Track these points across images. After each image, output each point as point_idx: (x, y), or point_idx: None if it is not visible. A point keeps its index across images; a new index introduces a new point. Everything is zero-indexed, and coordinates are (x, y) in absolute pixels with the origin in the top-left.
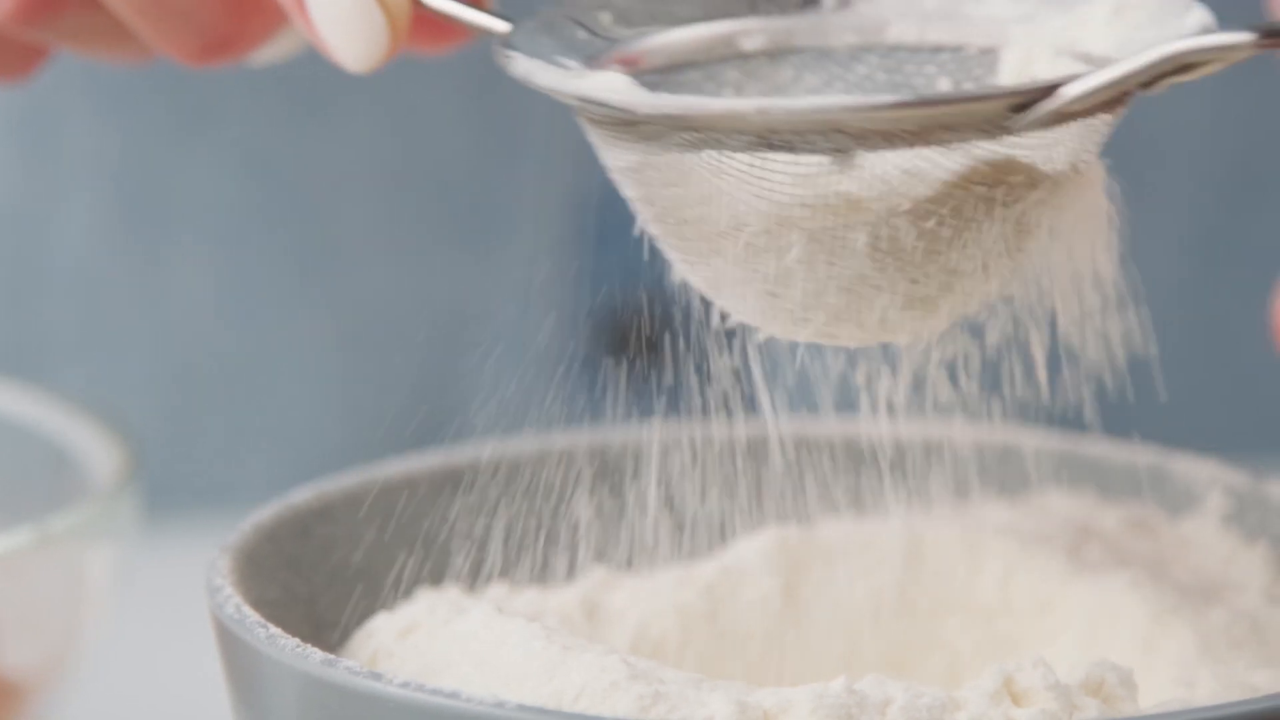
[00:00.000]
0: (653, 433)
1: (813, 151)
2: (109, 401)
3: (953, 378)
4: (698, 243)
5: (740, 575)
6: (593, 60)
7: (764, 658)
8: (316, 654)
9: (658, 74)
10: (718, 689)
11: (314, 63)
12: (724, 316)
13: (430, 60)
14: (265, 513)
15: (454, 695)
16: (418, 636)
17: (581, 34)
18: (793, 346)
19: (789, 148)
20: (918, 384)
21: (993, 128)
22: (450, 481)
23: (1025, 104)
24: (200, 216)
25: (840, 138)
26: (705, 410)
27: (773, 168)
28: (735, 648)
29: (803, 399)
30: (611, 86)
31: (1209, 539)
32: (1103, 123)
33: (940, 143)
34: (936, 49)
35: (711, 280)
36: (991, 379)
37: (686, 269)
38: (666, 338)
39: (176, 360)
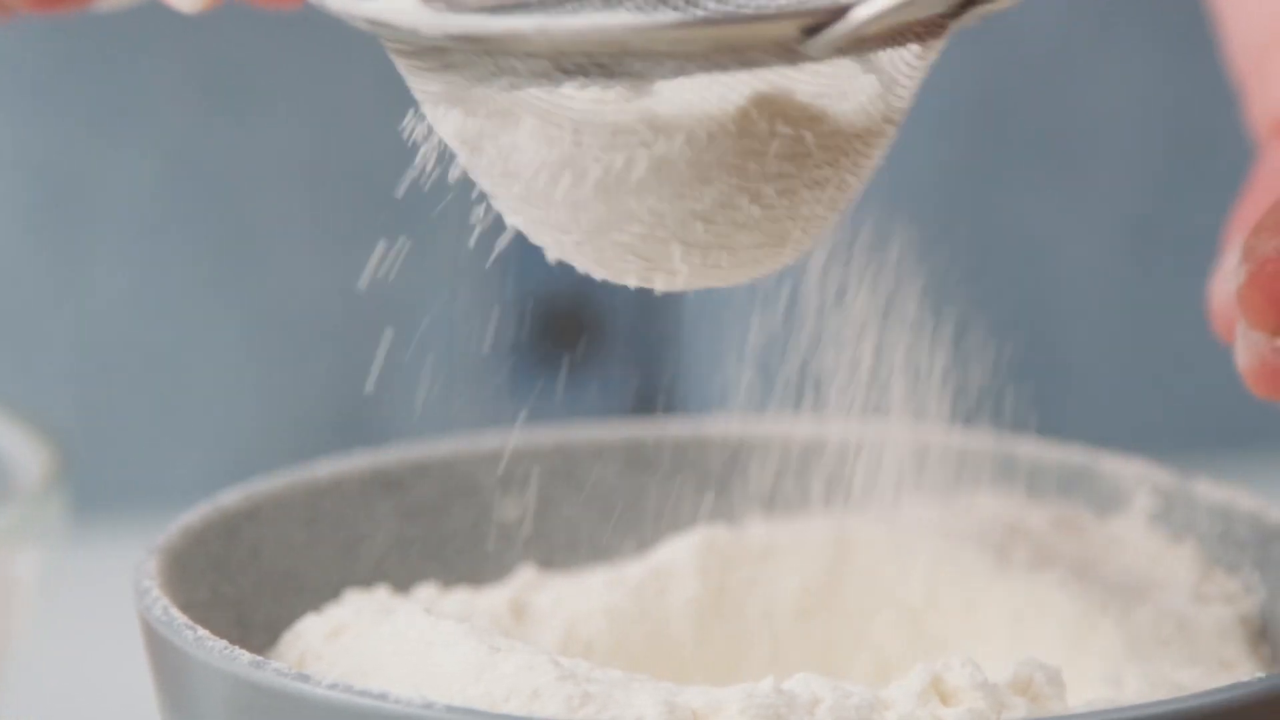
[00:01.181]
0: (583, 430)
1: (607, 78)
2: (32, 401)
3: (882, 378)
4: (509, 181)
5: (669, 576)
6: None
7: (693, 658)
8: (244, 656)
9: (486, 12)
10: (646, 689)
11: (235, 54)
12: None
13: (351, 49)
14: (193, 515)
15: (382, 696)
16: (346, 638)
17: None
18: (725, 347)
19: (581, 73)
20: (847, 384)
21: (786, 53)
22: (379, 482)
23: (817, 26)
24: (121, 212)
25: (631, 61)
26: (636, 408)
27: (567, 95)
28: (664, 648)
29: (734, 399)
30: (398, 8)
31: (1136, 538)
32: (909, 66)
33: (734, 67)
34: None
35: (531, 221)
36: (920, 378)
37: (506, 210)
38: (598, 332)
39: (97, 359)
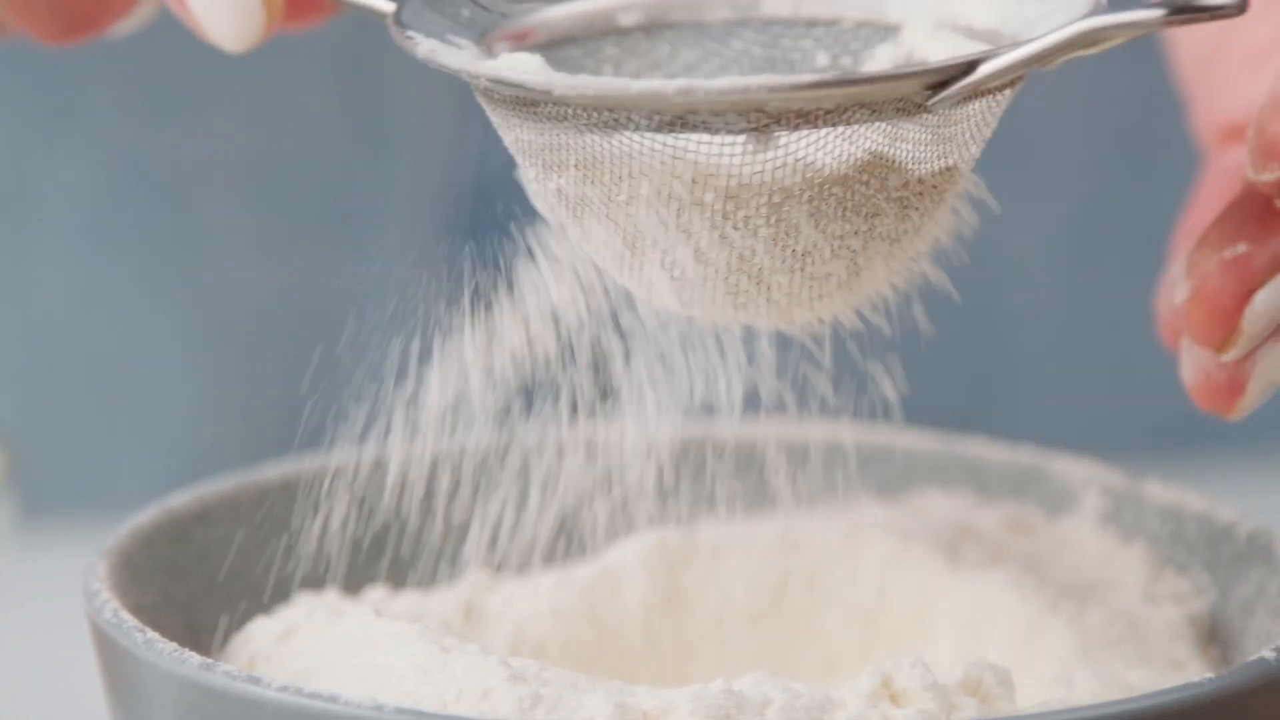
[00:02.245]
0: (531, 433)
1: (728, 130)
2: None
3: (834, 379)
4: (601, 221)
5: (619, 577)
6: (482, 37)
7: (643, 659)
8: (194, 658)
9: (541, 50)
10: (597, 690)
11: (178, 55)
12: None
13: (296, 51)
14: (142, 517)
15: (332, 698)
16: (296, 640)
17: (464, 11)
18: (671, 348)
19: (705, 127)
20: (801, 385)
21: (910, 105)
22: (328, 484)
23: (943, 81)
24: (66, 214)
25: (758, 116)
26: (585, 411)
27: (686, 146)
28: (614, 649)
29: (683, 400)
30: (525, 67)
31: (1086, 538)
32: (990, 113)
33: (857, 121)
34: (811, 23)
35: (616, 259)
36: (869, 380)
37: (590, 248)
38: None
39: (45, 361)
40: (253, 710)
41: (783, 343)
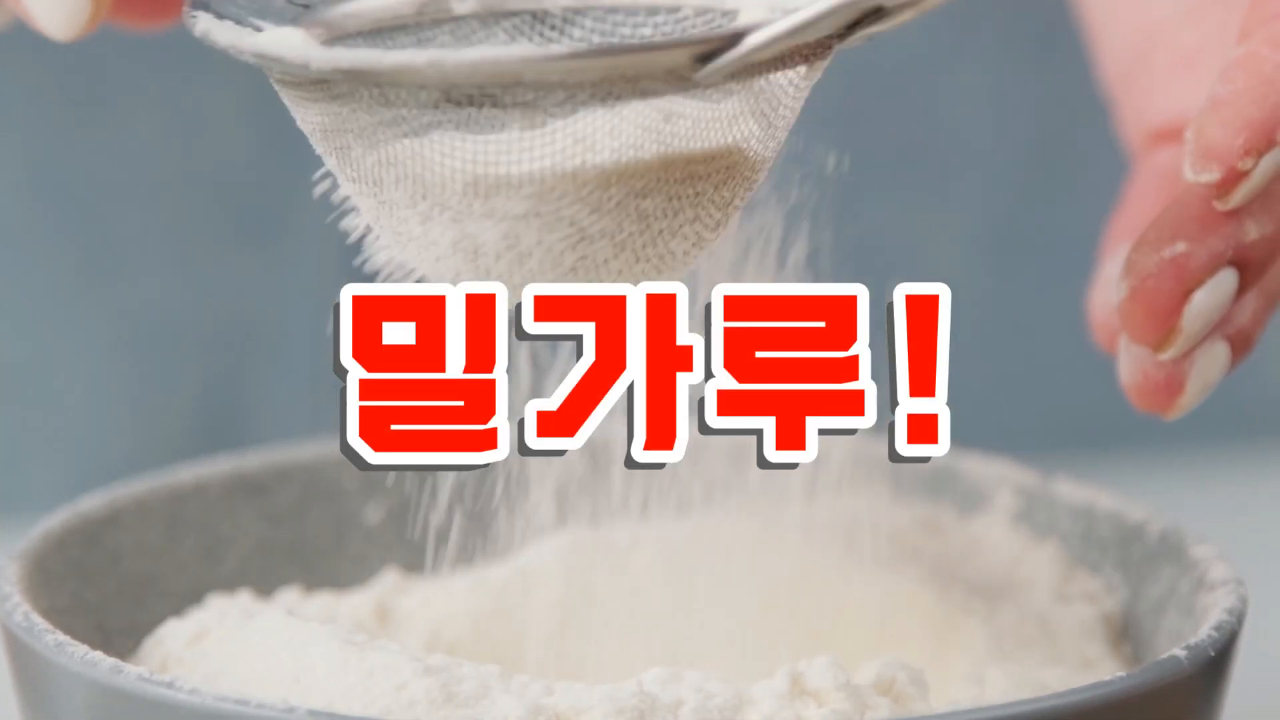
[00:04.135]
0: None
1: (496, 106)
2: None
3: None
4: (395, 209)
5: (533, 577)
6: (300, 21)
7: (557, 659)
8: (105, 661)
9: (369, 38)
10: (512, 690)
11: (91, 65)
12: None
13: (210, 62)
14: (54, 520)
15: (244, 701)
16: (208, 642)
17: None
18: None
19: (471, 103)
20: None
21: (678, 80)
22: (241, 487)
23: (710, 53)
24: None
25: (522, 91)
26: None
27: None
28: (528, 650)
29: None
30: (287, 42)
31: (998, 538)
32: (794, 88)
33: (627, 96)
34: (652, 10)
35: (415, 251)
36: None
37: (388, 238)
38: None
39: None
40: (164, 713)
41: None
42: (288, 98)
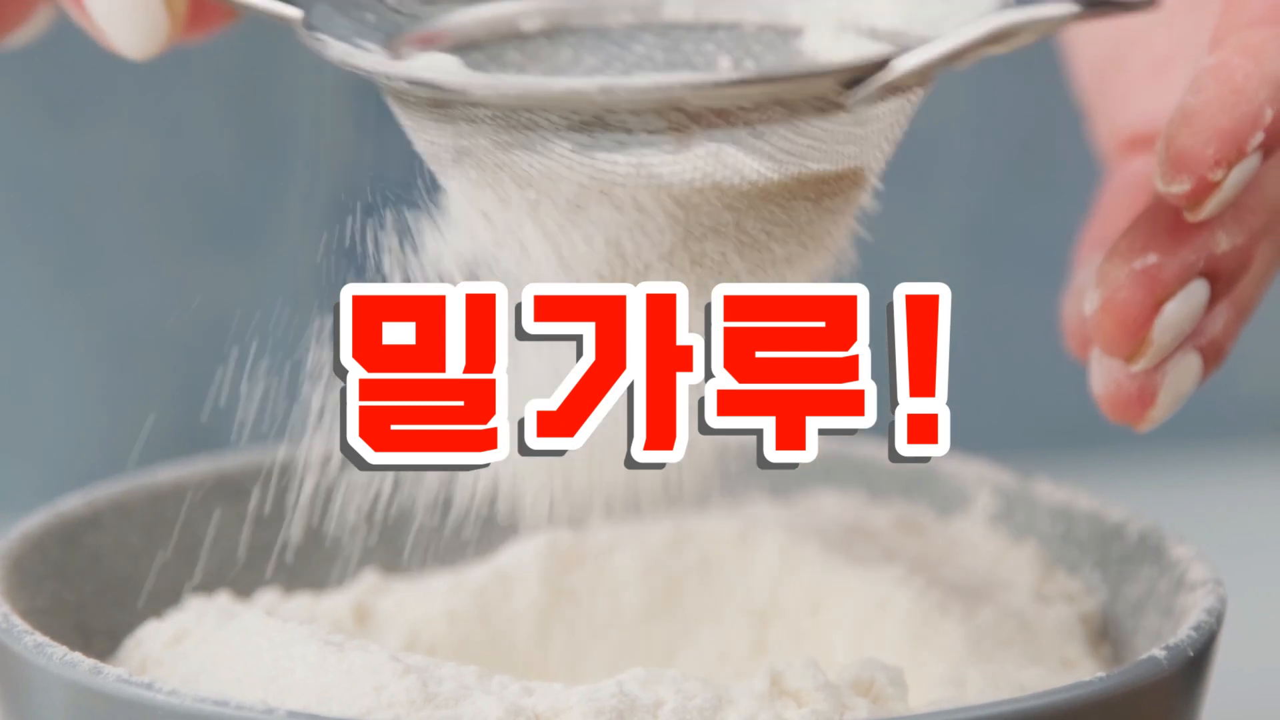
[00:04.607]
0: None
1: (645, 130)
2: None
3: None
4: (519, 220)
5: (512, 579)
6: (389, 41)
7: (536, 661)
8: (84, 662)
9: (445, 54)
10: (491, 690)
11: (71, 68)
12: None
13: (190, 64)
14: (33, 521)
15: (223, 702)
16: (187, 644)
17: (369, 16)
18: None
19: (622, 127)
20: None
21: (826, 104)
22: (220, 488)
23: (857, 79)
24: None
25: (676, 116)
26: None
27: (601, 159)
28: (507, 651)
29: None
30: (440, 67)
31: (978, 538)
32: (909, 106)
33: (773, 120)
34: (713, 26)
35: (531, 265)
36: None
37: (506, 255)
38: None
39: None
40: (143, 714)
41: None
42: (407, 118)
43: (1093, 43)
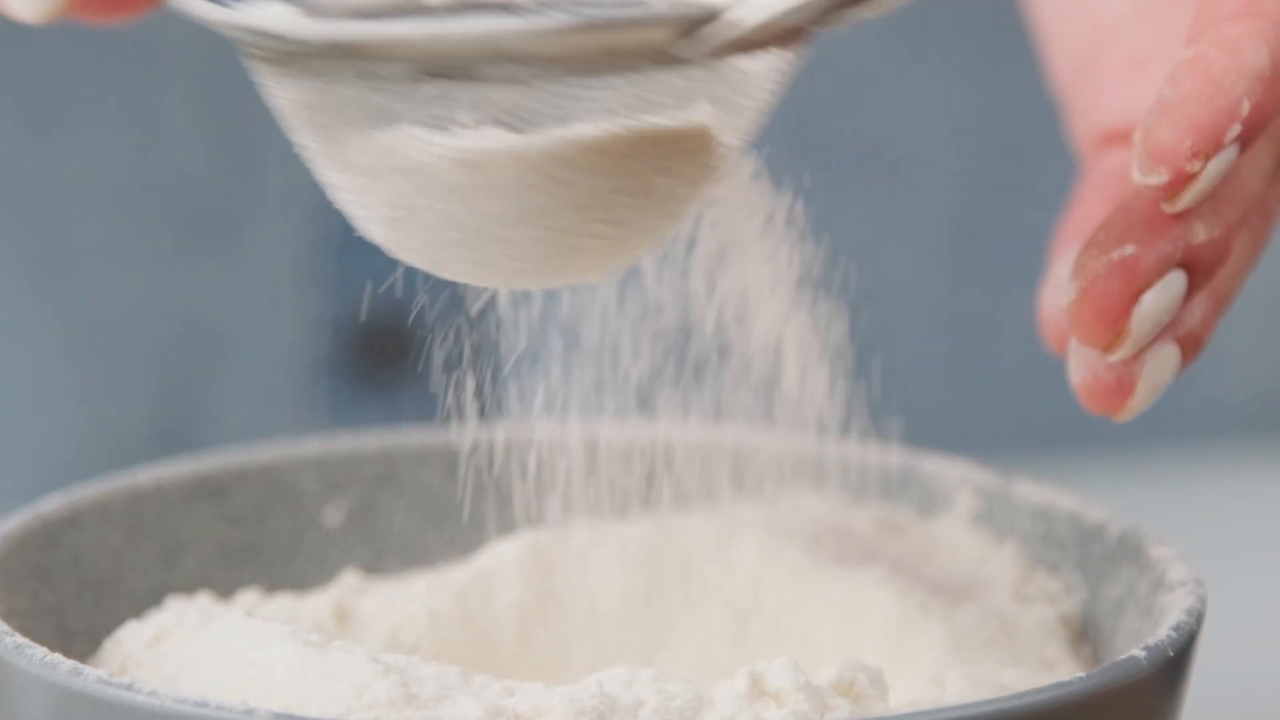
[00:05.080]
0: (405, 435)
1: (470, 81)
2: None
3: (701, 378)
4: (371, 186)
5: (493, 579)
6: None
7: (517, 661)
8: (64, 663)
9: (281, 4)
10: (472, 691)
11: (47, 69)
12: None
13: (165, 65)
14: (12, 522)
15: (203, 703)
16: (168, 644)
17: None
18: (541, 350)
19: (461, 77)
20: (669, 384)
21: (661, 55)
22: (201, 489)
23: (693, 29)
24: None
25: (510, 66)
26: (456, 414)
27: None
28: (488, 652)
29: (560, 402)
30: (278, 16)
31: (959, 538)
32: (771, 71)
33: (614, 71)
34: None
35: (389, 231)
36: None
37: (363, 219)
38: (417, 344)
39: None
40: (123, 715)
41: (658, 344)
42: (264, 74)
43: (1069, 38)
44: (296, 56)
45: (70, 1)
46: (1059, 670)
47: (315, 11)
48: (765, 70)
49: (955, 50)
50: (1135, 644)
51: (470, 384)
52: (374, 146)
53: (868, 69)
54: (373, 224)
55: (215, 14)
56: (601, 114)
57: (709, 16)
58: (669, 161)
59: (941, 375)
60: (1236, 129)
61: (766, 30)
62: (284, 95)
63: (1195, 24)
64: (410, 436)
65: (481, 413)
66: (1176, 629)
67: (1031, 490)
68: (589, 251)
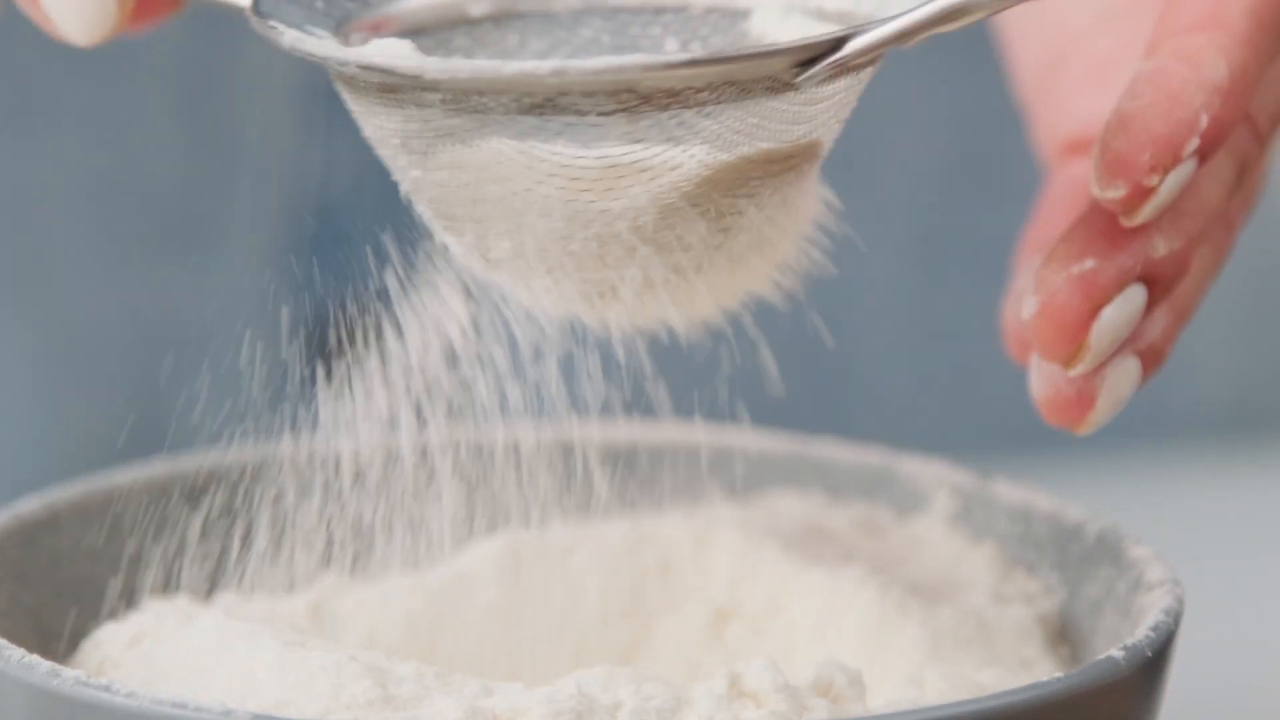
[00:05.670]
0: (375, 438)
1: (597, 113)
2: None
3: (677, 380)
4: (471, 215)
5: (471, 580)
6: (338, 28)
7: (496, 662)
8: (42, 664)
9: (397, 40)
10: (450, 691)
11: (18, 69)
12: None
13: (137, 65)
14: None
15: (181, 704)
16: (146, 645)
17: (319, 2)
18: (514, 348)
19: (574, 110)
20: (645, 385)
21: (778, 84)
22: (177, 490)
23: (811, 59)
24: None
25: (628, 97)
26: (429, 416)
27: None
28: (466, 652)
29: (532, 403)
30: (394, 52)
31: (937, 539)
32: (858, 84)
33: (726, 100)
34: (659, 10)
35: (487, 254)
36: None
37: (461, 245)
38: (383, 346)
39: None
40: (101, 717)
41: (636, 346)
42: (356, 104)
43: (1033, 46)
44: (409, 90)
45: (120, 24)
46: (1037, 670)
47: (422, 45)
48: (848, 86)
49: (925, 55)
50: (1113, 644)
51: (444, 381)
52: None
53: None
54: (473, 254)
55: (327, 50)
56: (711, 140)
57: (829, 46)
58: (780, 180)
59: (919, 376)
60: (1195, 142)
61: (868, 55)
62: (384, 125)
63: (1155, 34)
64: (384, 437)
65: (457, 411)
66: (1155, 629)
67: (1009, 490)
68: (698, 286)
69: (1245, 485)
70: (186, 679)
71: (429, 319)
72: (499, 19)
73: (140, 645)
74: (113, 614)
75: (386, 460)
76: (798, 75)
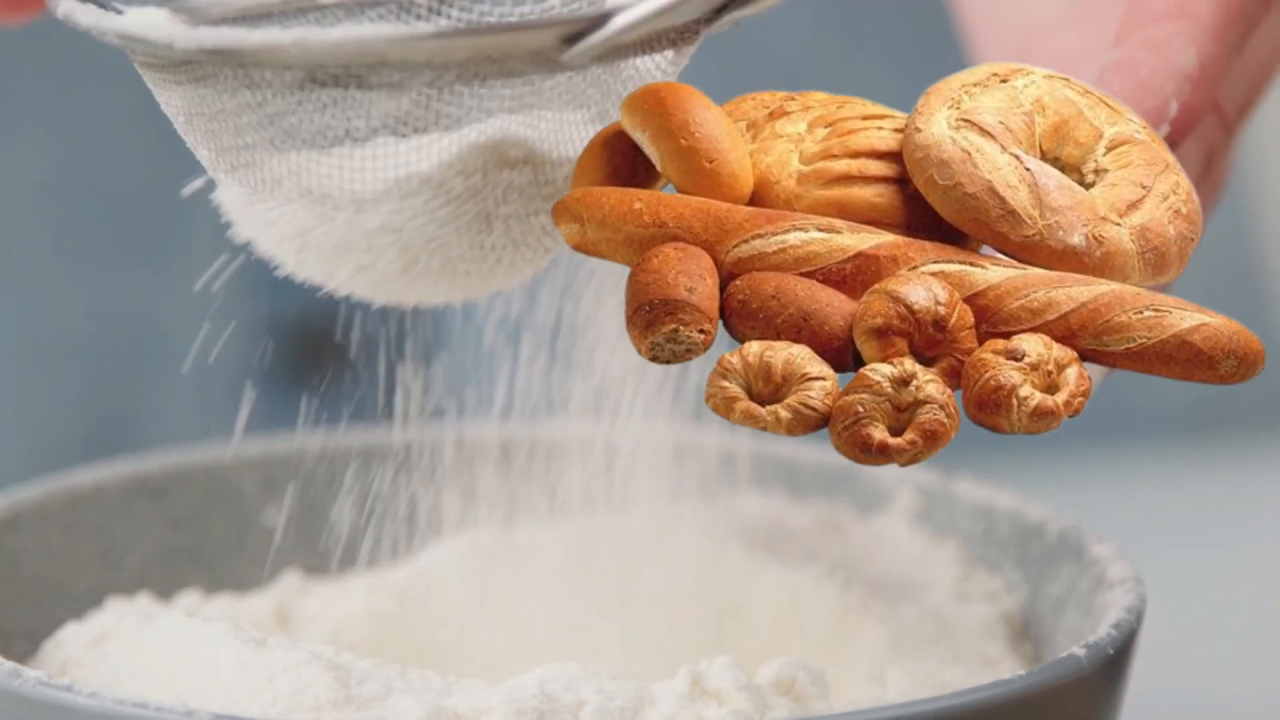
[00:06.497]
0: (345, 438)
1: (361, 88)
2: None
3: (641, 380)
4: (265, 194)
5: (434, 579)
6: (192, 17)
7: (459, 660)
8: (4, 665)
9: (229, 24)
10: (412, 689)
11: None
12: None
13: (100, 69)
14: None
15: (143, 704)
16: (108, 645)
17: None
18: (492, 349)
19: (337, 84)
20: (609, 386)
21: (544, 61)
22: (140, 489)
23: (577, 34)
24: None
25: (388, 72)
26: (395, 414)
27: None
28: (430, 651)
29: (499, 403)
30: (151, 23)
31: (899, 537)
32: (661, 73)
33: (492, 77)
34: None
35: (280, 238)
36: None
37: (251, 225)
38: (355, 346)
39: None
40: (63, 717)
41: (607, 345)
42: (151, 80)
43: (998, 42)
44: (180, 64)
45: None
46: (1000, 668)
47: (198, 17)
48: (658, 67)
49: (890, 48)
50: (1075, 642)
51: (410, 384)
52: (280, 166)
53: (803, 67)
54: (274, 240)
55: (93, 20)
56: (493, 118)
57: (592, 24)
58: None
59: None
60: (1165, 130)
61: (646, 35)
62: (172, 103)
63: (1123, 25)
64: (350, 437)
65: (421, 413)
66: (1116, 627)
67: (972, 489)
68: (481, 271)
69: (1206, 484)
70: (149, 679)
71: (394, 316)
72: (352, 7)
73: (102, 645)
74: (74, 614)
75: (352, 458)
76: (564, 51)
